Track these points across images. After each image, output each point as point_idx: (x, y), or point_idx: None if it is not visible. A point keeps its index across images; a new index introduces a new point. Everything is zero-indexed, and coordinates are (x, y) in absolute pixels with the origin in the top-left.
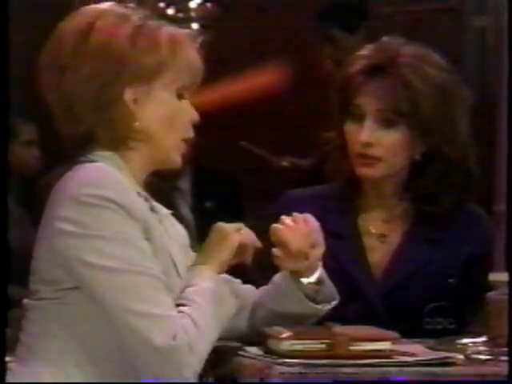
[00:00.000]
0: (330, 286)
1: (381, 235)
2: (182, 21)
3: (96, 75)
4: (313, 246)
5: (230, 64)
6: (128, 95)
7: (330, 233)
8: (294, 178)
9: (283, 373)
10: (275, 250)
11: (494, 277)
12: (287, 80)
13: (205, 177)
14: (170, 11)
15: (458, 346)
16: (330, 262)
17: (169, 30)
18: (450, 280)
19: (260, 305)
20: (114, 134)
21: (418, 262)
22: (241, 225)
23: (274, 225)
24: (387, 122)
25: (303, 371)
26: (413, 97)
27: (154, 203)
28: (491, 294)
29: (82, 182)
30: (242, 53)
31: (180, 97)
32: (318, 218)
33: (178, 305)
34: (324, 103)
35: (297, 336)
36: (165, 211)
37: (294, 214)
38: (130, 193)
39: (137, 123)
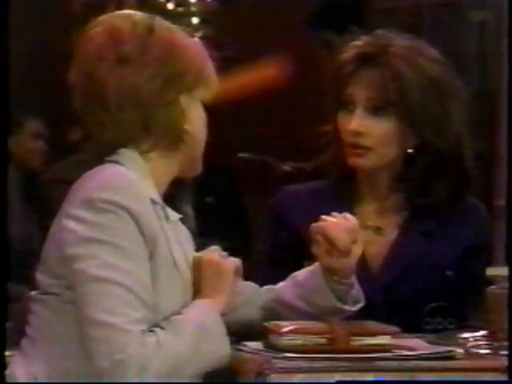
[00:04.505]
0: (358, 289)
1: (377, 228)
2: (182, 15)
3: (162, 74)
4: (354, 243)
5: (230, 59)
6: (183, 99)
7: None
8: (297, 182)
9: (283, 367)
10: (320, 248)
11: (493, 271)
12: (287, 75)
13: (206, 172)
14: (170, 6)
15: (458, 341)
16: None
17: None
18: (448, 272)
19: (278, 301)
20: (165, 134)
21: (415, 256)
22: (220, 251)
23: (320, 222)
24: (377, 112)
25: (303, 366)
26: (402, 86)
27: (168, 209)
28: (491, 288)
29: (99, 186)
30: (242, 47)
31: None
32: (316, 213)
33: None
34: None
35: (297, 331)
36: (176, 217)
37: (333, 213)
38: (144, 201)
39: (187, 126)
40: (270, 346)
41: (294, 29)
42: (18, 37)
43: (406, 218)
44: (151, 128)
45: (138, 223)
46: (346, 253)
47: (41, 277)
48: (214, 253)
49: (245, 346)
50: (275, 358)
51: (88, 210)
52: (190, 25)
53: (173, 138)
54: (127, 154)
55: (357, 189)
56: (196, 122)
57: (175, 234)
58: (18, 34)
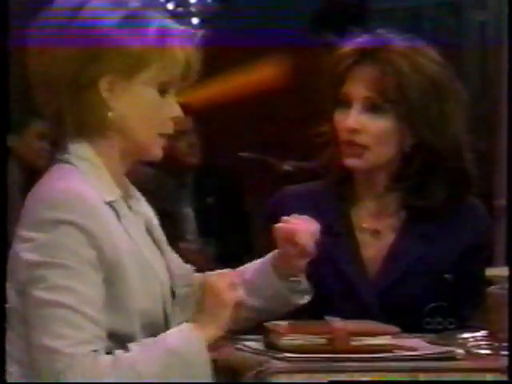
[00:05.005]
0: (305, 283)
1: (374, 231)
2: (182, 15)
3: (75, 57)
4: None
5: (230, 59)
6: (103, 84)
7: (324, 230)
8: (297, 182)
9: (283, 367)
10: (287, 248)
11: (494, 271)
12: (286, 76)
13: (207, 173)
14: (170, 6)
15: (459, 341)
16: (324, 260)
17: (162, 23)
18: (447, 275)
19: None
20: (83, 120)
21: (413, 260)
22: (231, 277)
23: (287, 224)
24: (375, 109)
25: (303, 366)
26: (401, 84)
27: (136, 198)
28: (491, 289)
29: (48, 204)
30: (242, 48)
31: (163, 92)
32: (313, 215)
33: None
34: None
35: (297, 330)
36: (137, 202)
37: (293, 215)
38: (96, 214)
39: (110, 113)
40: (270, 346)
41: (295, 28)
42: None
43: (403, 220)
44: (67, 115)
45: (90, 239)
46: (311, 255)
47: (10, 292)
48: (222, 278)
49: (245, 346)
50: (275, 358)
51: (36, 230)
52: (190, 25)
53: (90, 124)
54: (78, 152)
55: (354, 189)
56: (129, 109)
57: (142, 223)
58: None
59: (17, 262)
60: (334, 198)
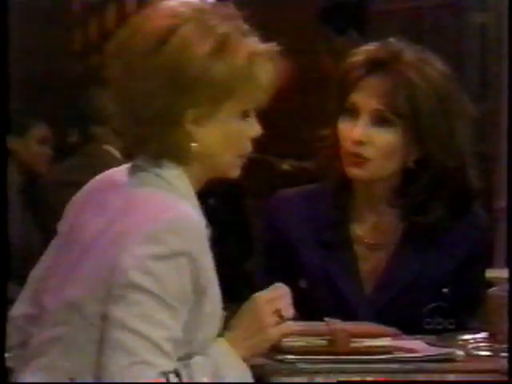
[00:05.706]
0: None
1: (372, 244)
2: None
3: (161, 93)
4: None
5: None
6: (189, 116)
7: (319, 241)
8: (296, 181)
9: (284, 369)
10: None
11: (494, 273)
12: (288, 76)
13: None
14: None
15: (459, 342)
16: (320, 274)
17: (249, 47)
18: (444, 290)
19: None
20: (166, 150)
21: (411, 276)
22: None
23: None
24: (383, 122)
25: (304, 367)
26: (414, 97)
27: None
28: (491, 290)
29: (167, 227)
30: None
31: (246, 116)
32: (309, 223)
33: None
34: (326, 99)
35: (298, 332)
36: None
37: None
38: (204, 242)
39: (193, 144)
40: (271, 348)
41: (296, 28)
42: (20, 39)
43: (402, 234)
44: (150, 144)
45: (195, 268)
46: None
47: (77, 294)
48: (269, 302)
49: None
50: (276, 359)
51: (151, 255)
52: None
53: (175, 156)
54: (170, 170)
55: (353, 199)
56: (212, 139)
57: None
58: (18, 35)
59: (119, 274)
60: (332, 206)
